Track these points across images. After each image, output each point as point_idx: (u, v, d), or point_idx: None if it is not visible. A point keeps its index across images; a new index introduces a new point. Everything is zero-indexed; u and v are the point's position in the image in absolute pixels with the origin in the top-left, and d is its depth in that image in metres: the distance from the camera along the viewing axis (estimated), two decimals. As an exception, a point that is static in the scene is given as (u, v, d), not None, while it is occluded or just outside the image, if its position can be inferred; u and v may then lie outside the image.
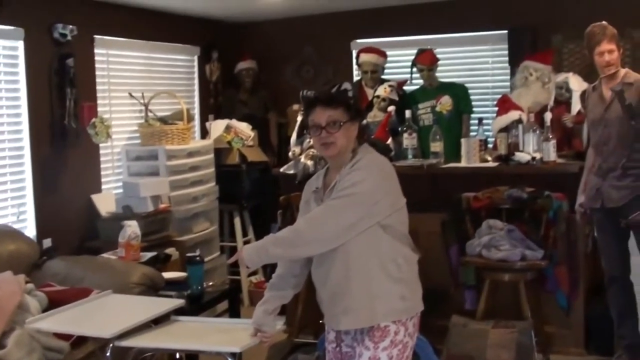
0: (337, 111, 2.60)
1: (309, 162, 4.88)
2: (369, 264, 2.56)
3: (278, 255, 2.62)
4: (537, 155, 4.46)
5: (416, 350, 3.60)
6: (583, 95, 4.23)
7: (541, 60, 5.21)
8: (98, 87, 5.21)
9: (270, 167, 5.89)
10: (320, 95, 2.71)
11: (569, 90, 4.89)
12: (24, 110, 4.63)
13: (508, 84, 5.66)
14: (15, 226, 4.42)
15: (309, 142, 5.00)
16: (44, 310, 3.41)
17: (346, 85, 2.51)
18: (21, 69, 4.61)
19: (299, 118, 5.16)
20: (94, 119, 4.88)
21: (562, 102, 4.94)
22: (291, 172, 4.96)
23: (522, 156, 4.49)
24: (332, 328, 2.72)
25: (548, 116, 4.55)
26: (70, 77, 4.79)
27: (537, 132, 4.59)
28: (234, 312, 4.35)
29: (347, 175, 2.56)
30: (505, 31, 5.85)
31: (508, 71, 5.80)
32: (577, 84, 4.86)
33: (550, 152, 4.41)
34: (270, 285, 2.79)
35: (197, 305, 4.03)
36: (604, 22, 3.91)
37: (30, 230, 4.61)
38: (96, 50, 5.21)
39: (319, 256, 2.62)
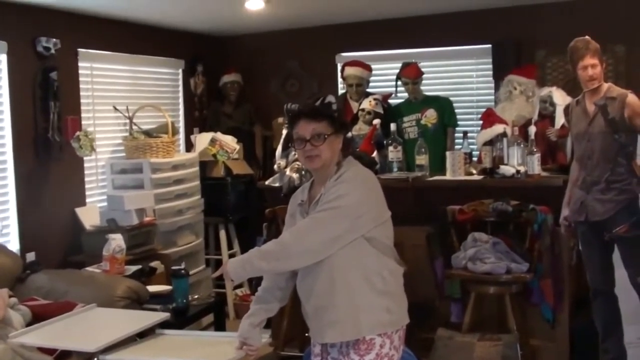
0: (321, 124, 2.60)
1: (295, 175, 4.87)
2: (353, 277, 2.56)
3: (263, 269, 2.61)
4: (522, 169, 4.48)
5: (402, 364, 3.60)
6: (567, 109, 4.25)
7: (525, 75, 5.25)
8: (82, 101, 5.20)
9: (256, 180, 5.88)
10: (305, 109, 2.71)
11: (552, 104, 4.93)
12: (7, 123, 4.60)
13: (492, 97, 5.69)
14: (-2, 240, 4.39)
15: (295, 154, 5.00)
16: (28, 325, 3.39)
17: (330, 98, 2.53)
18: (4, 82, 4.58)
19: (284, 131, 5.16)
20: (78, 133, 4.86)
21: (546, 116, 4.98)
22: (276, 184, 4.94)
23: (506, 169, 4.51)
24: (317, 341, 2.71)
25: (532, 130, 4.58)
26: (53, 91, 4.77)
27: (522, 145, 4.62)
28: (219, 325, 4.34)
29: (332, 187, 2.56)
30: (489, 45, 5.90)
31: (492, 85, 5.84)
32: (560, 98, 4.90)
33: (535, 166, 4.43)
34: (256, 299, 2.78)
35: (182, 319, 4.02)
36: (587, 37, 3.94)
37: (13, 244, 4.58)
38: (80, 64, 5.19)
39: (304, 269, 2.61)
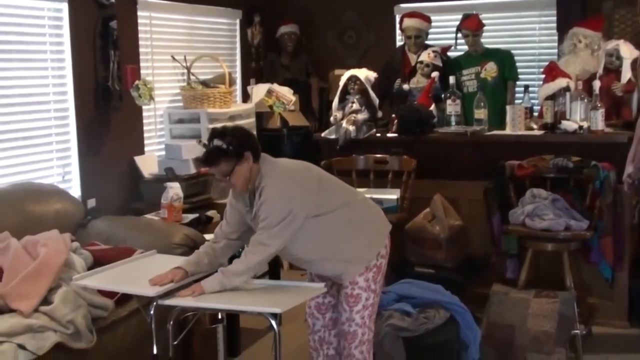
0: (219, 166, 2.84)
1: (351, 127, 4.85)
2: (326, 240, 2.92)
3: (242, 281, 2.95)
4: (585, 124, 4.38)
5: (456, 318, 3.60)
6: (634, 64, 4.13)
7: (591, 27, 5.08)
8: (141, 50, 5.22)
9: (312, 131, 5.87)
10: (201, 159, 2.91)
11: (619, 58, 4.77)
12: (68, 72, 4.66)
13: (555, 50, 5.55)
14: (61, 186, 4.48)
15: (351, 106, 4.97)
16: (89, 269, 3.47)
17: (216, 142, 2.74)
18: (65, 31, 4.62)
19: (341, 83, 5.12)
20: (137, 82, 4.90)
21: (612, 70, 4.82)
22: (332, 137, 4.94)
23: (569, 125, 4.41)
24: None
25: (597, 84, 4.45)
26: (113, 40, 4.80)
27: (585, 100, 4.50)
28: (274, 274, 4.38)
29: (259, 208, 2.83)
30: (554, -4, 5.72)
31: (555, 38, 5.68)
32: (628, 51, 4.73)
33: (598, 121, 4.32)
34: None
35: (238, 267, 4.05)
36: (659, -13, 3.79)
37: (75, 190, 4.67)
38: (139, 13, 5.20)
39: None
